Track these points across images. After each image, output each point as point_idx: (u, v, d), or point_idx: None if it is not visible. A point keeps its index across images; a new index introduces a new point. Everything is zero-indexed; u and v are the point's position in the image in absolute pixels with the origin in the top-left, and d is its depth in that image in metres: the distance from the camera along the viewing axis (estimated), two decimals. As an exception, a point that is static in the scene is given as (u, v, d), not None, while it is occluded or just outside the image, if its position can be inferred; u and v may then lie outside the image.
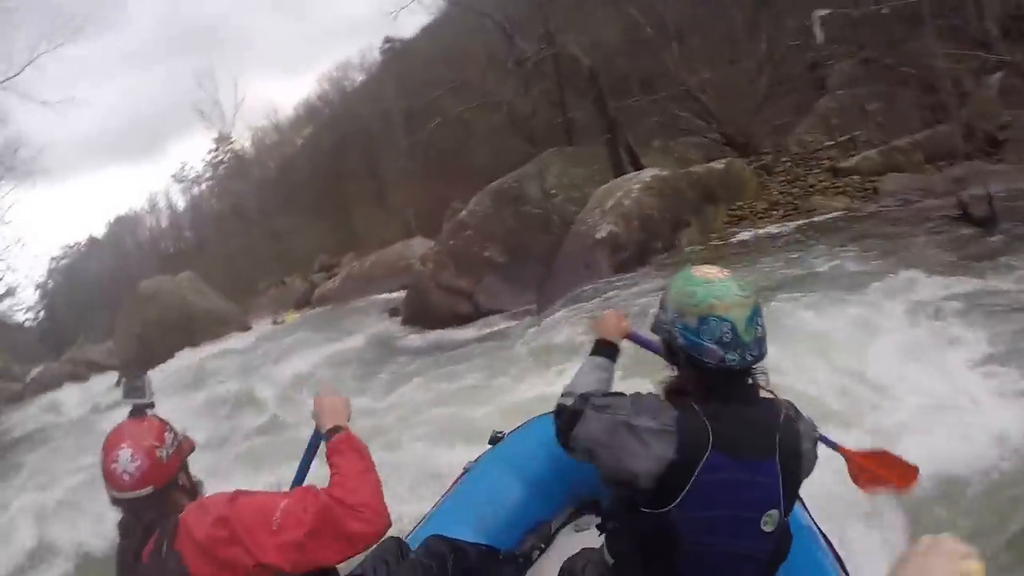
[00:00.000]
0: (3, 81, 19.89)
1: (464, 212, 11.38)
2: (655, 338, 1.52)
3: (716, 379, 1.35)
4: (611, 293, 7.62)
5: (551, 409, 1.61)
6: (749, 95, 13.31)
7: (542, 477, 2.26)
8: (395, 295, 18.32)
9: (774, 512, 1.35)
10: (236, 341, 16.16)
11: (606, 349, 1.80)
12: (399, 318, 11.90)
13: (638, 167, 11.70)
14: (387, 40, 35.64)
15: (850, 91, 12.98)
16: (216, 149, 38.84)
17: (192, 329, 17.38)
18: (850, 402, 3.59)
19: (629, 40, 15.65)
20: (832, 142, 11.99)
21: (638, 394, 1.45)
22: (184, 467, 1.61)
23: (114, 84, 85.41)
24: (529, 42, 16.21)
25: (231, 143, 40.96)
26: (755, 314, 1.35)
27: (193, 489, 1.63)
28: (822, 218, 9.27)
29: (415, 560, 1.84)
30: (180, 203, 49.29)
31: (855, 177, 10.39)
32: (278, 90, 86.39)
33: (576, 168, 11.87)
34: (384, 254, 21.75)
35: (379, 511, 1.44)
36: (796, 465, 1.39)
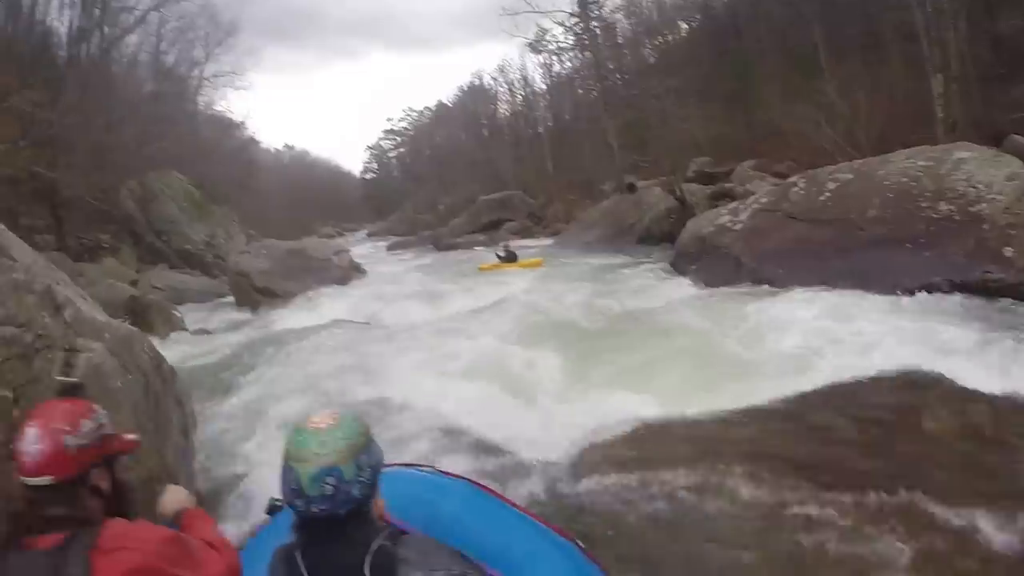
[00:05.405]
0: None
1: None
2: None
3: (303, 520, 1.38)
4: None
5: None
6: None
7: None
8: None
9: None
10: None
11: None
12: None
13: None
14: None
15: None
16: (579, 15, 29.25)
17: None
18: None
19: None
20: None
21: None
22: (107, 467, 1.45)
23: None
24: None
25: (600, 6, 31.31)
26: (325, 472, 1.33)
27: (119, 500, 1.46)
28: None
29: None
30: (539, 81, 42.72)
31: None
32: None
33: None
34: (895, 159, 9.68)
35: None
36: None
